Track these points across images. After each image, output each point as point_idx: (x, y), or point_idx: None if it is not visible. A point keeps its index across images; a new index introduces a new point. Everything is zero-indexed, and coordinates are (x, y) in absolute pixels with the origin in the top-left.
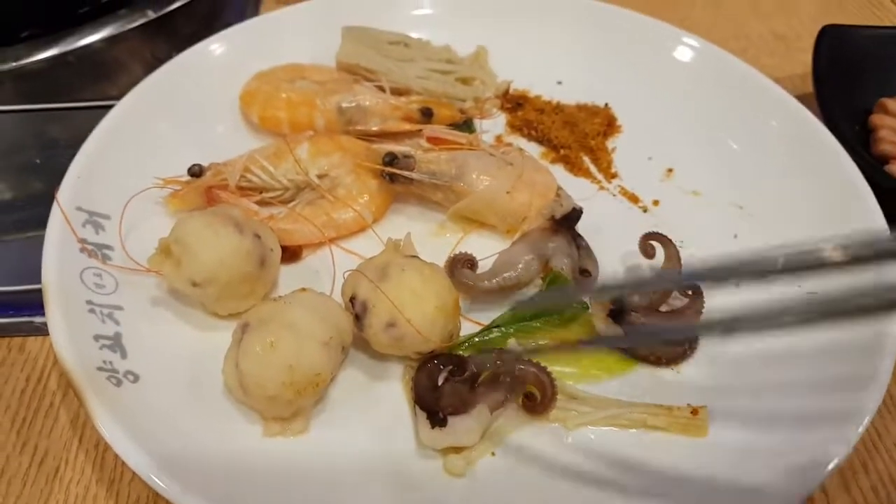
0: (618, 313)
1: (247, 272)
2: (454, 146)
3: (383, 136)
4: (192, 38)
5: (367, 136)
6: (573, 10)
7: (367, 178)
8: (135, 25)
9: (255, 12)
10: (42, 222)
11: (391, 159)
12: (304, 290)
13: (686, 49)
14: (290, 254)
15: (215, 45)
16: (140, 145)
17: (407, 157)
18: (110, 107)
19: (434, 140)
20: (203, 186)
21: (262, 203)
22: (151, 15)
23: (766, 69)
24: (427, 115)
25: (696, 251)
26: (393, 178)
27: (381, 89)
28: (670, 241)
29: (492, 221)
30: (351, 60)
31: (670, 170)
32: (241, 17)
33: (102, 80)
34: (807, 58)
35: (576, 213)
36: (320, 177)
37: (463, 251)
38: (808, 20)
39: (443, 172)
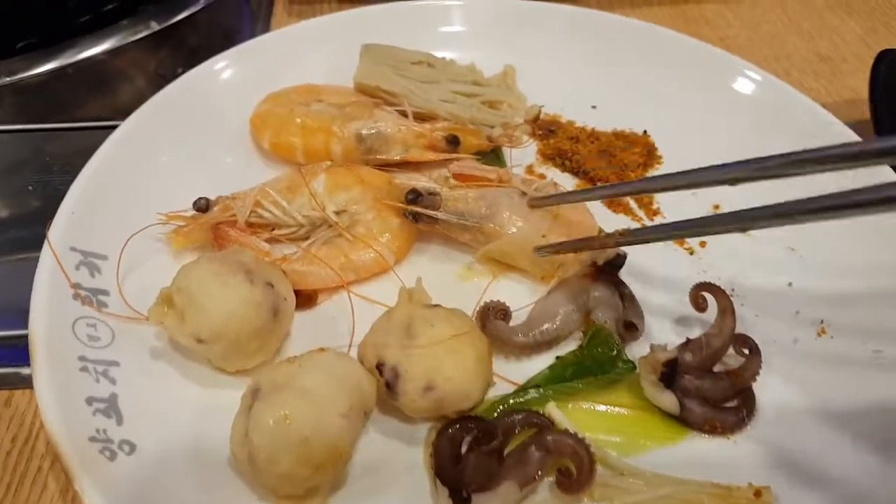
0: (669, 376)
1: (258, 326)
2: (483, 182)
3: (406, 165)
4: (199, 52)
5: (389, 166)
6: (609, 27)
7: (389, 215)
8: (138, 38)
9: (266, 26)
10: (34, 243)
11: (415, 197)
12: (322, 350)
13: (733, 74)
14: (305, 298)
15: (223, 64)
16: (141, 175)
17: (432, 194)
18: (109, 128)
19: (461, 177)
20: (210, 223)
21: (273, 240)
22: (155, 27)
23: (811, 94)
24: (453, 143)
25: (747, 301)
26: (417, 217)
27: (404, 114)
28: (725, 293)
29: (525, 266)
30: (370, 82)
31: (716, 206)
32: (251, 30)
33: (104, 94)
34: (855, 82)
35: (620, 260)
36: (338, 213)
37: (494, 299)
38: (853, 40)
39: (471, 212)
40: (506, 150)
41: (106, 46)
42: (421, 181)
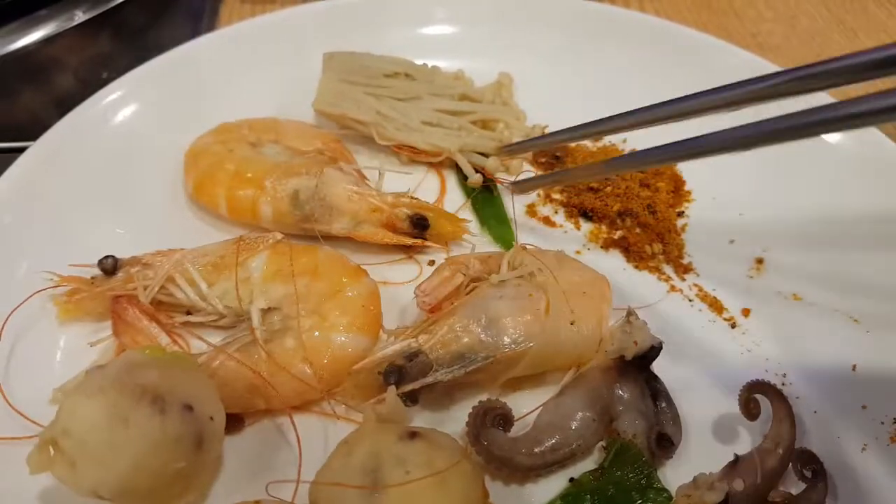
0: None
1: (178, 468)
2: (457, 298)
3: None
4: (143, 34)
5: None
6: (627, 27)
7: (334, 326)
8: (70, 26)
9: (214, 8)
10: None
11: (398, 375)
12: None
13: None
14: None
15: (157, 71)
16: (43, 216)
17: (415, 356)
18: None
19: (435, 308)
20: (108, 294)
21: (188, 325)
22: (81, 17)
23: None
24: (419, 226)
25: (803, 392)
26: (415, 397)
27: (362, 176)
28: (782, 396)
29: (554, 369)
30: (333, 110)
31: (760, 260)
32: (199, 13)
33: (39, 86)
34: None
35: (654, 352)
36: (267, 311)
37: (490, 397)
38: None
39: (472, 348)
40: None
41: (39, 35)
42: (388, 345)
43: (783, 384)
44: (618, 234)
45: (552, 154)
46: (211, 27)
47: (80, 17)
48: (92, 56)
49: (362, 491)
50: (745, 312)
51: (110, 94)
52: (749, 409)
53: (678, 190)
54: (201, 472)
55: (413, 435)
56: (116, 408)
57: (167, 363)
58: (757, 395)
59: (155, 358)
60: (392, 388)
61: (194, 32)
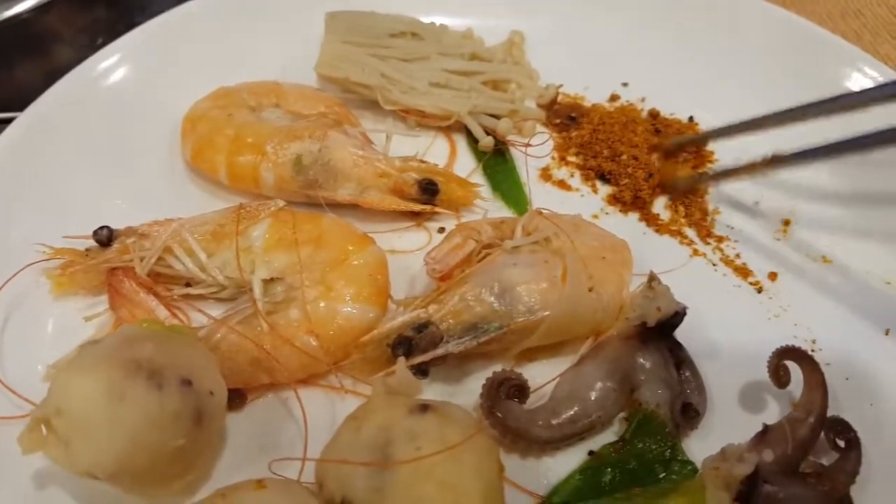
0: (749, 495)
1: (177, 446)
2: (468, 264)
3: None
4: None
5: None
6: None
7: (340, 296)
8: None
9: None
10: None
11: (407, 345)
12: (260, 483)
13: (811, 42)
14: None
15: (155, 31)
16: (37, 182)
17: (424, 327)
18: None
19: (446, 276)
20: (104, 267)
21: (187, 297)
22: None
23: (888, 64)
24: (429, 191)
25: (834, 358)
26: (425, 370)
27: (367, 139)
28: (814, 362)
29: (571, 336)
30: (335, 73)
31: (787, 222)
32: None
33: (36, 52)
34: None
35: (678, 318)
36: (270, 281)
37: (505, 368)
38: None
39: (485, 316)
40: (514, 151)
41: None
42: (396, 316)
43: (812, 350)
44: (638, 197)
45: (566, 115)
46: None
47: None
48: (88, 23)
49: (371, 468)
50: (772, 276)
51: (104, 58)
52: (779, 376)
53: (700, 150)
54: (202, 449)
55: (424, 408)
56: (111, 383)
57: (165, 337)
58: (787, 362)
59: (152, 331)
60: (402, 360)
61: None
